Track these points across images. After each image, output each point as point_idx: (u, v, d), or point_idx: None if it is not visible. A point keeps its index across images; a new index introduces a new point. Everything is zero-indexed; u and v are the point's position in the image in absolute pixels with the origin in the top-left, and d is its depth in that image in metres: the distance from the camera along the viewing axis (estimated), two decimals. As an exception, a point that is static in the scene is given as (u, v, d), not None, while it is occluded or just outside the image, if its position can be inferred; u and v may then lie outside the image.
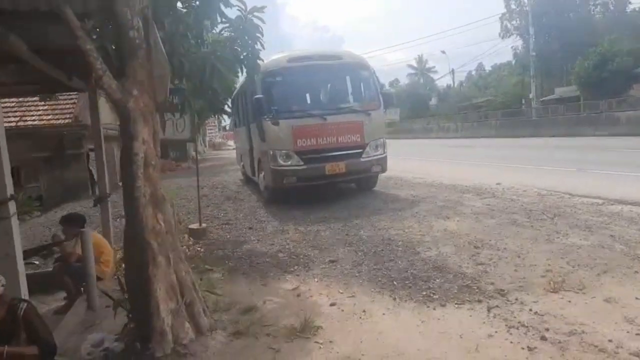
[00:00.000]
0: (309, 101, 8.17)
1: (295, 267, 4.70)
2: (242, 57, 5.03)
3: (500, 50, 61.90)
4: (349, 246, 5.30)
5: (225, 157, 29.55)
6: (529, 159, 12.75)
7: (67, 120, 12.21)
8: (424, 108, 55.81)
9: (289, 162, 7.64)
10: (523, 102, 40.50)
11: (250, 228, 6.65)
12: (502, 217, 5.98)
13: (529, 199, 6.98)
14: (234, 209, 8.34)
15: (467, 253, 4.61)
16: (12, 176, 10.29)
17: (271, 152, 7.76)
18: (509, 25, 45.20)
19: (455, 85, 53.46)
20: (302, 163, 7.63)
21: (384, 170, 8.30)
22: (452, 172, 11.41)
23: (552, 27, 38.73)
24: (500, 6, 44.11)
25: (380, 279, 4.14)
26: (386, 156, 8.28)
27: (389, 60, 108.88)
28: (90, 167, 12.54)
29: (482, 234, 5.23)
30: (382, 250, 5.00)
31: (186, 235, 6.24)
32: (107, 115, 16.13)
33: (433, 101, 60.34)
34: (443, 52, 52.57)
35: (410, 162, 15.80)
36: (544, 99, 37.09)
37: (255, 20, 4.98)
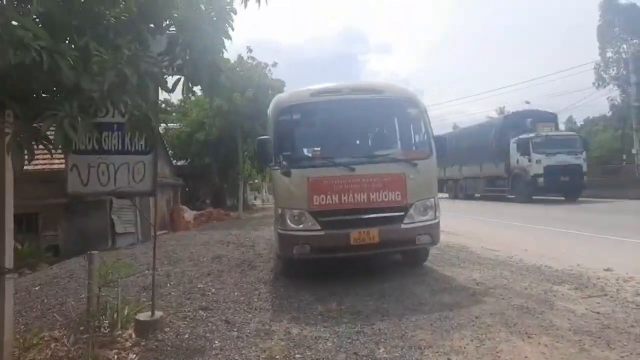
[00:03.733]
0: (333, 146, 6.20)
1: None
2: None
3: (591, 102, 56.17)
4: (347, 384, 3.09)
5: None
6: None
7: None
8: (506, 162, 51.53)
9: (301, 226, 5.64)
10: (624, 157, 35.59)
11: (227, 322, 4.63)
12: (628, 347, 3.43)
13: (669, 307, 4.31)
14: (234, 283, 6.39)
15: None
16: (29, 223, 9.24)
17: (279, 211, 5.84)
18: (604, 74, 40.81)
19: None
20: (318, 228, 5.60)
21: (434, 241, 5.97)
22: (537, 242, 8.71)
23: (656, 75, 34.07)
24: (591, 52, 40.07)
25: None
26: (438, 222, 5.98)
27: (469, 111, 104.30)
28: (113, 216, 11.48)
29: (594, 392, 2.78)
30: (400, 407, 2.74)
31: (128, 331, 4.37)
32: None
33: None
34: (527, 102, 48.26)
35: (482, 224, 13.12)
36: (648, 154, 31.97)
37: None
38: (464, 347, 3.61)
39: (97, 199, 11.07)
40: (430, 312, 4.55)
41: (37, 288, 6.80)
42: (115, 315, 4.45)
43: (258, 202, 36.61)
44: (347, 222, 5.61)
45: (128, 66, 2.81)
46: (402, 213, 5.71)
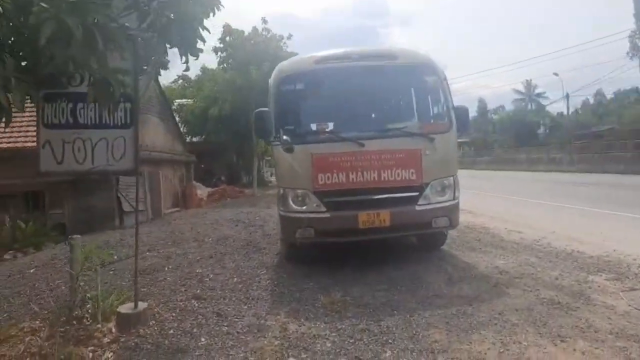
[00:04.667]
0: (340, 119, 5.61)
1: None
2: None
3: (624, 75, 53.16)
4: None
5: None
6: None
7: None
8: (531, 136, 49.82)
9: (305, 207, 5.12)
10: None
11: (218, 315, 4.19)
12: (687, 357, 2.84)
13: None
14: (235, 267, 5.96)
15: None
16: (36, 201, 8.97)
17: (281, 192, 5.34)
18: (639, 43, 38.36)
19: (569, 112, 46.39)
20: (323, 209, 5.07)
21: (453, 224, 5.37)
22: (567, 225, 8.01)
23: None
24: (626, 21, 37.76)
25: None
26: (458, 203, 5.38)
27: (494, 85, 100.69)
28: (119, 195, 11.18)
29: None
30: None
31: (109, 324, 3.97)
32: (157, 138, 15.15)
33: (541, 129, 53.90)
34: (556, 74, 45.81)
35: (506, 203, 12.37)
36: (689, 128, 30.03)
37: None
38: (485, 353, 3.08)
39: (104, 177, 10.78)
40: (446, 306, 4.01)
41: (32, 270, 6.52)
42: (96, 307, 4.07)
43: (274, 179, 36.28)
44: (355, 203, 5.07)
45: (71, 15, 2.29)
46: (416, 193, 5.12)
